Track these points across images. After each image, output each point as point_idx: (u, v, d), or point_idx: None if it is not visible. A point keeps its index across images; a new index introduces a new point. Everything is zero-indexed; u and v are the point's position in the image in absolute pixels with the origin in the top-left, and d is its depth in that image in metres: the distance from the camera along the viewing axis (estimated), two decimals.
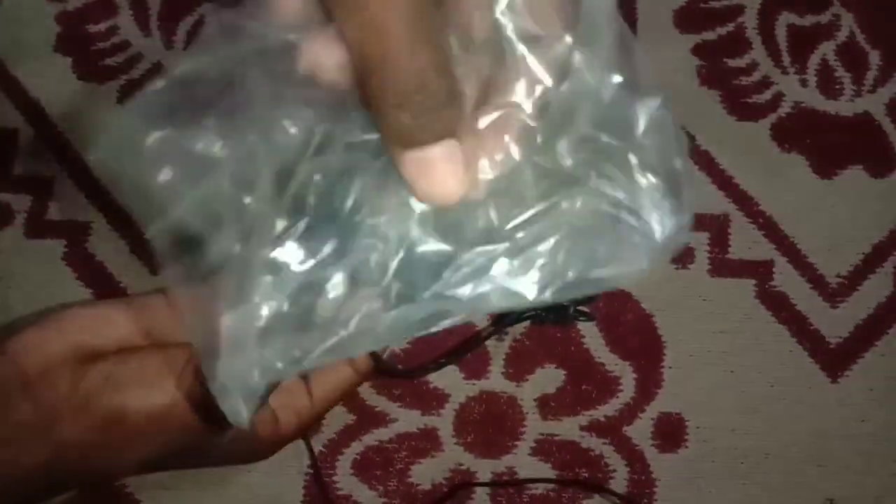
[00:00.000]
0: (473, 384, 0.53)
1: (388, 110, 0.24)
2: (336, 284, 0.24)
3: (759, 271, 0.55)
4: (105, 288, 0.55)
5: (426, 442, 0.52)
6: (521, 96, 0.25)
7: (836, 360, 0.53)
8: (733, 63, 0.59)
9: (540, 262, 0.24)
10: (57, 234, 0.56)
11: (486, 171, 0.25)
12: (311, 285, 0.24)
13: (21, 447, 0.32)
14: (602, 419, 0.52)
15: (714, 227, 0.56)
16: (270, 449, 0.37)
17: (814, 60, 0.59)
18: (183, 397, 0.32)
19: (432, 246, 0.24)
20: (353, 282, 0.24)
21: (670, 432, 0.52)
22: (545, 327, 0.52)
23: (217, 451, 0.35)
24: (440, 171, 0.24)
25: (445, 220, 0.25)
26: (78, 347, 0.33)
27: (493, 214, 0.24)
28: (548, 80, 0.24)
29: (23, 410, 0.32)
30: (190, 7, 0.61)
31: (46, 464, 0.32)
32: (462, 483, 0.50)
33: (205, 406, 0.32)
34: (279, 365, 0.24)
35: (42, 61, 0.60)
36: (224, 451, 0.36)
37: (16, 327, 0.33)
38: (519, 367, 0.53)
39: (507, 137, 0.26)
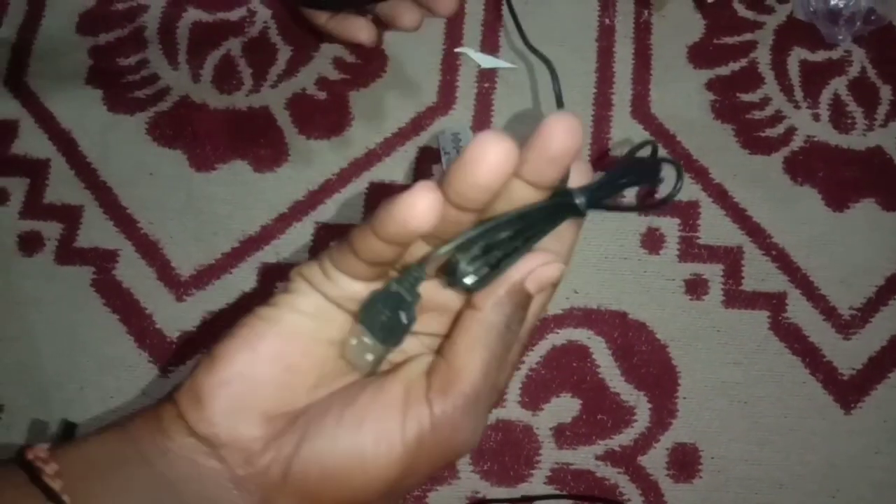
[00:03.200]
0: (490, 412, 0.54)
1: None
2: None
3: (773, 303, 0.55)
4: (132, 314, 0.56)
5: (443, 469, 0.53)
6: None
7: (849, 391, 0.54)
8: (746, 98, 0.60)
9: None
10: (85, 260, 0.58)
11: None
12: None
13: None
14: (617, 448, 0.53)
15: (728, 258, 0.56)
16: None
17: (826, 95, 0.60)
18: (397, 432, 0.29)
19: None
20: None
21: (685, 462, 0.53)
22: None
23: None
24: None
25: None
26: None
27: None
28: None
29: None
30: (217, 41, 0.63)
31: None
32: (478, 501, 0.51)
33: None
34: None
35: (74, 94, 0.62)
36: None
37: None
38: (535, 395, 0.54)
39: None
